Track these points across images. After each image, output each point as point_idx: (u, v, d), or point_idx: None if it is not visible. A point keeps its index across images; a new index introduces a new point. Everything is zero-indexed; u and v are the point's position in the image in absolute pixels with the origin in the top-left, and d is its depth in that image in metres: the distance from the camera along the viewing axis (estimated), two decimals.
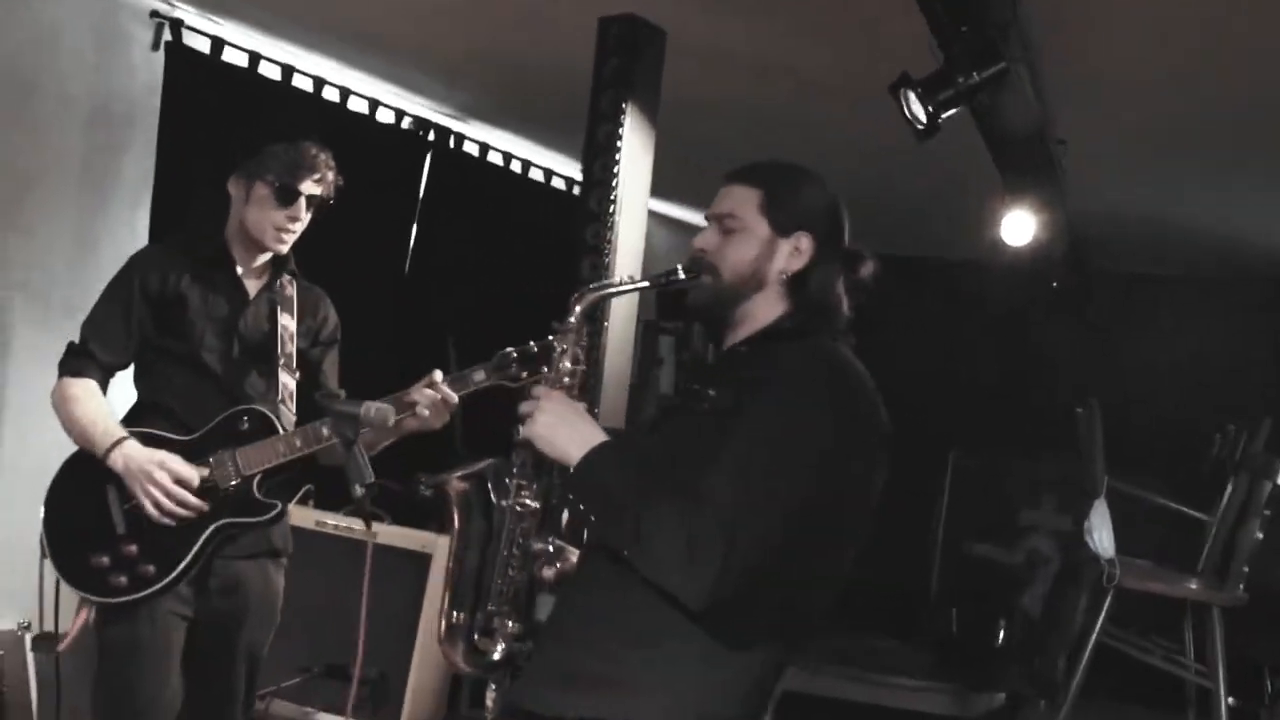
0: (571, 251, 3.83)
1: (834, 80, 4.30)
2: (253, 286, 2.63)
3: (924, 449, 5.76)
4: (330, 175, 2.59)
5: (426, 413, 2.47)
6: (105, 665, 2.47)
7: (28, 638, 3.58)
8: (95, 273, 3.71)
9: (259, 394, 2.59)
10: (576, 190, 6.45)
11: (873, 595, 4.30)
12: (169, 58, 4.36)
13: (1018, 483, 6.77)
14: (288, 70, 4.83)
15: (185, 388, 2.55)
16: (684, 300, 1.98)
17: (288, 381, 2.62)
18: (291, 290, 2.68)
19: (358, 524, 3.79)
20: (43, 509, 2.51)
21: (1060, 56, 3.79)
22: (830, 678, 4.77)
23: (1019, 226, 4.85)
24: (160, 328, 2.55)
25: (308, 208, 2.57)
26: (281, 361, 2.61)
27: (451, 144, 5.74)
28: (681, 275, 1.93)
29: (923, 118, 3.32)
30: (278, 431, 2.52)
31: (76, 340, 2.56)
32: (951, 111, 3.34)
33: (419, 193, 5.64)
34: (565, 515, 2.06)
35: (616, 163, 3.73)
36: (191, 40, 4.45)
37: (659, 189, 4.05)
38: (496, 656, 1.93)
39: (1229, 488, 4.16)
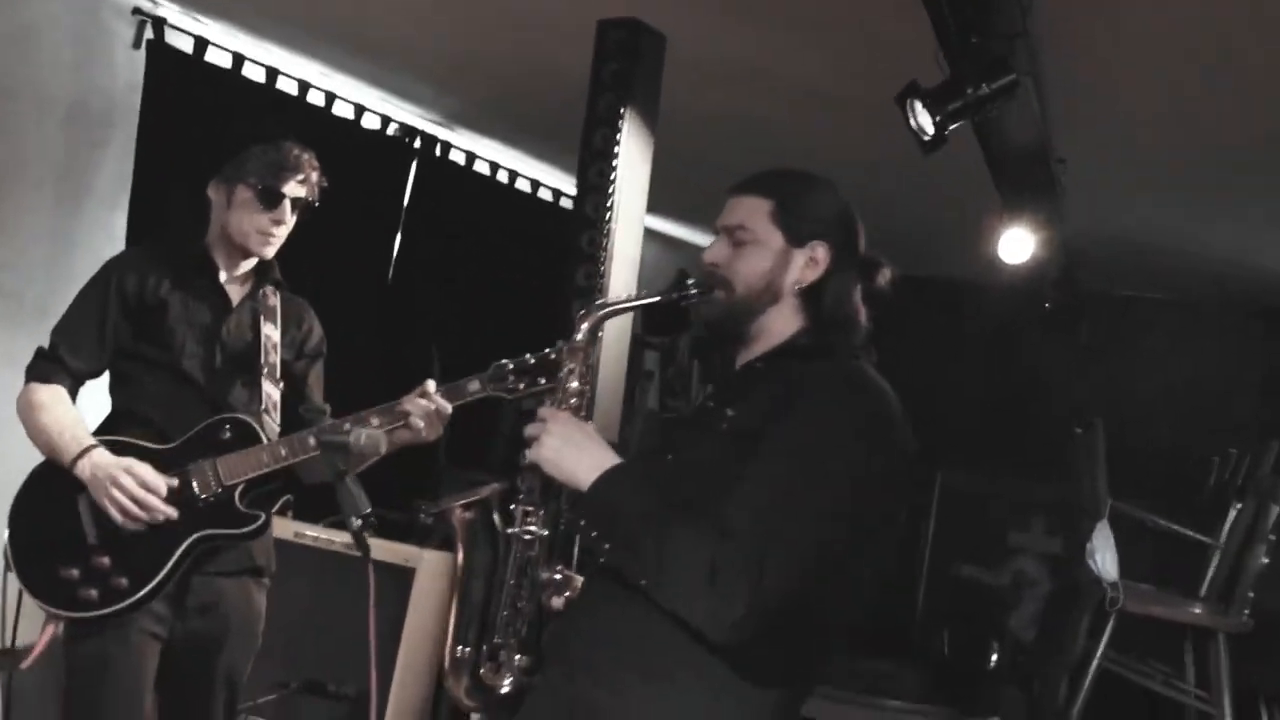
0: (565, 259, 3.73)
1: (836, 91, 4.24)
2: (235, 294, 2.52)
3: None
4: (314, 176, 2.50)
5: (420, 424, 2.36)
6: (72, 684, 2.34)
7: None
8: (70, 274, 3.62)
9: (242, 404, 2.47)
10: (564, 201, 6.46)
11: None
12: (150, 57, 4.28)
13: (1006, 504, 6.73)
14: (272, 73, 4.77)
15: (164, 396, 2.43)
16: (696, 315, 1.89)
17: (271, 392, 2.51)
18: (275, 300, 2.57)
19: (338, 535, 3.68)
20: (8, 519, 2.38)
21: (1066, 72, 3.75)
22: (819, 699, 4.65)
23: (1016, 245, 4.80)
24: (138, 334, 2.44)
25: (292, 210, 2.47)
26: (265, 371, 2.49)
27: (438, 152, 5.69)
28: (693, 290, 1.85)
29: (929, 129, 3.25)
30: (261, 440, 2.40)
31: (46, 345, 2.44)
32: (959, 123, 3.26)
33: (404, 201, 5.58)
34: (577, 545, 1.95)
35: (613, 169, 3.64)
36: (174, 39, 4.38)
37: (651, 204, 3.96)
38: (505, 690, 1.83)
39: (1231, 512, 4.09)
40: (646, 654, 1.66)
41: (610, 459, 1.72)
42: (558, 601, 1.84)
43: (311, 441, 2.33)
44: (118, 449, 2.35)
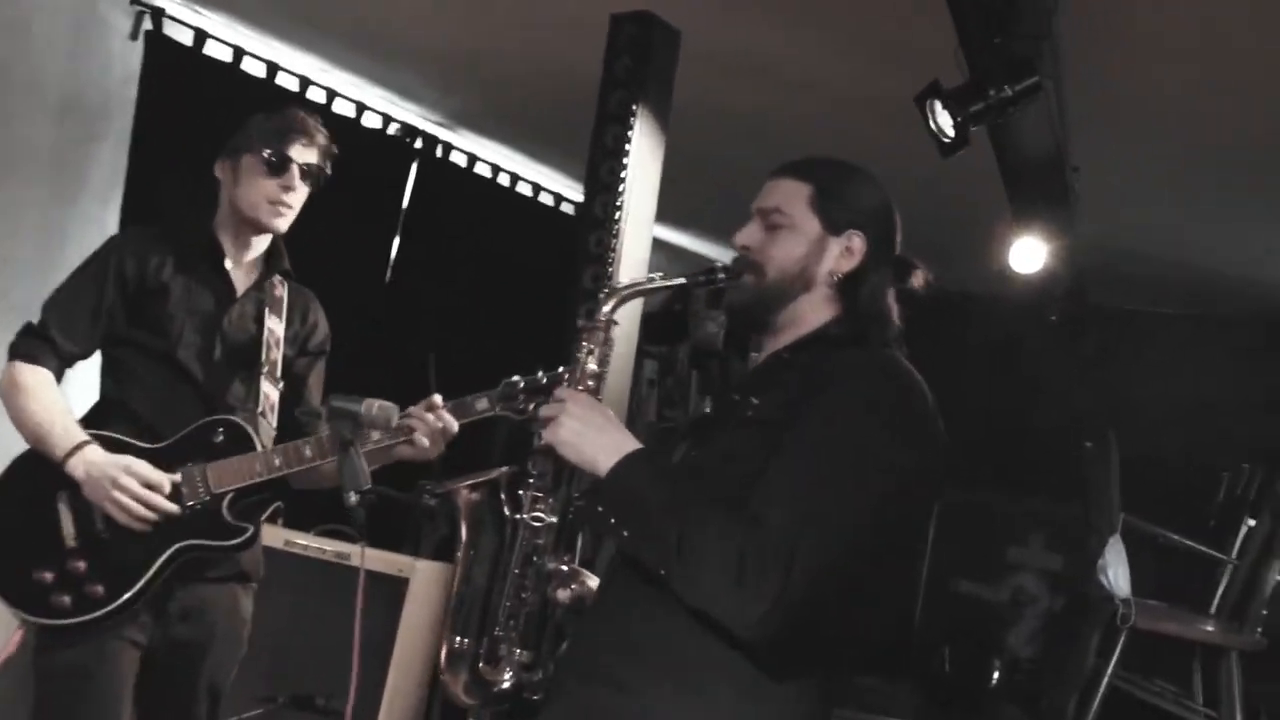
0: (572, 260, 3.63)
1: (851, 91, 4.17)
2: (241, 283, 2.41)
3: None
4: (321, 139, 2.39)
5: (425, 441, 2.26)
6: (43, 692, 2.21)
7: None
8: (62, 267, 3.45)
9: (239, 402, 2.36)
10: (565, 206, 6.38)
11: None
12: (148, 48, 4.19)
13: (1006, 519, 6.65)
14: (272, 68, 4.70)
15: (157, 388, 2.31)
16: (722, 302, 1.82)
17: (270, 391, 2.40)
18: (282, 291, 2.46)
19: (329, 544, 3.58)
20: None
21: (1089, 76, 3.68)
22: None
23: (1028, 254, 4.73)
24: (133, 319, 2.31)
25: (303, 178, 2.35)
26: (265, 369, 2.38)
27: (439, 153, 5.60)
28: (721, 274, 1.77)
29: (950, 130, 3.19)
30: (255, 447, 2.28)
31: (35, 321, 2.31)
32: (979, 126, 3.20)
33: (403, 202, 5.49)
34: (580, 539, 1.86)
35: (624, 167, 3.53)
36: (173, 31, 4.29)
37: (658, 211, 3.87)
38: (504, 686, 1.74)
39: (1244, 527, 4.02)
40: (671, 661, 1.58)
41: (631, 443, 1.65)
42: (563, 594, 1.76)
43: (308, 453, 2.23)
44: (108, 447, 2.23)
